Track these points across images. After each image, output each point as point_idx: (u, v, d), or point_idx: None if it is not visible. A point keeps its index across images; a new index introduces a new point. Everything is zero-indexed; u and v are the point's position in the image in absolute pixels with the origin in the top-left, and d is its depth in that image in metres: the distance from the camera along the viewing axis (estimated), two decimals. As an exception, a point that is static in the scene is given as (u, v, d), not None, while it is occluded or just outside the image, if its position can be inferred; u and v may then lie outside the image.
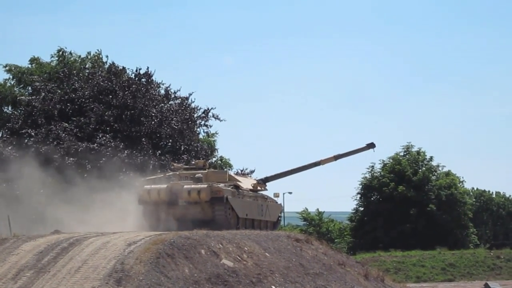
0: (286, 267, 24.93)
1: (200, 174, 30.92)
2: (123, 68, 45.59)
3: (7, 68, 47.67)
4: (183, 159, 41.36)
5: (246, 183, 32.76)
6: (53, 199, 35.75)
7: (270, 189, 34.67)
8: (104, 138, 40.50)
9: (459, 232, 64.20)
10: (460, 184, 67.87)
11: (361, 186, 66.28)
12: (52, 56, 47.82)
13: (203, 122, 47.08)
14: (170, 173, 32.16)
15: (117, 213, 31.13)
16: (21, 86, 47.80)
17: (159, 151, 42.26)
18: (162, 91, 46.14)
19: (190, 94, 46.45)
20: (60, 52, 47.55)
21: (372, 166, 66.42)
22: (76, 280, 20.95)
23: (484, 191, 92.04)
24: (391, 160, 65.85)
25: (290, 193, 74.43)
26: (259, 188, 33.48)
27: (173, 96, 46.23)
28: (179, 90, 46.53)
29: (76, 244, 23.38)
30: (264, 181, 34.08)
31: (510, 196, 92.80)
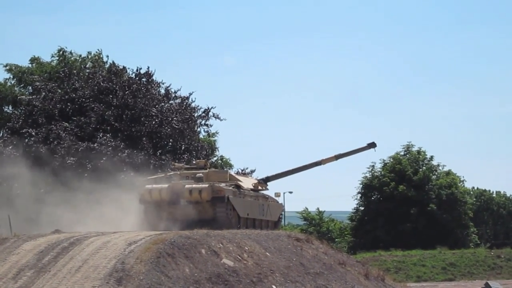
0: (286, 267, 24.93)
1: (201, 174, 30.96)
2: (124, 67, 45.60)
3: (7, 67, 47.68)
4: (184, 159, 41.37)
5: (247, 183, 32.78)
6: (53, 198, 35.76)
7: (271, 189, 34.74)
8: (105, 137, 40.50)
9: (459, 232, 64.18)
10: (461, 183, 67.84)
11: (361, 186, 66.26)
12: (53, 56, 47.88)
13: (203, 122, 47.11)
14: (171, 173, 32.19)
15: (117, 213, 31.15)
16: (21, 85, 47.82)
17: (160, 151, 42.26)
18: (163, 91, 46.15)
19: (190, 94, 46.51)
20: (61, 52, 47.55)
21: (373, 166, 66.45)
22: (76, 280, 20.95)
23: (485, 190, 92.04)
24: (391, 160, 65.83)
25: (290, 192, 74.47)
26: (260, 187, 33.50)
27: (173, 95, 46.23)
28: (180, 90, 46.58)
29: (77, 244, 23.38)
30: (265, 181, 34.11)
31: (510, 195, 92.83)
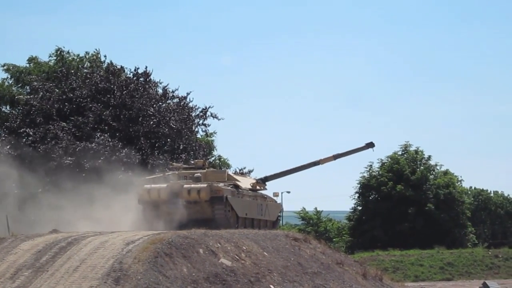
0: (284, 266, 24.93)
1: (199, 174, 31.01)
2: (121, 67, 45.58)
3: (5, 67, 47.66)
4: (181, 159, 41.36)
5: (245, 183, 32.81)
6: (51, 198, 35.73)
7: (269, 189, 34.76)
8: (102, 137, 40.48)
9: (457, 231, 64.18)
10: (459, 183, 67.86)
11: (359, 185, 66.26)
12: (50, 56, 47.84)
13: (201, 121, 47.09)
14: (169, 173, 32.23)
15: (115, 213, 31.15)
16: (19, 85, 47.80)
17: (157, 151, 42.25)
18: (160, 90, 46.14)
19: (188, 94, 46.49)
20: (58, 52, 47.53)
21: (371, 165, 66.45)
22: (74, 280, 20.94)
23: (482, 190, 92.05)
24: (389, 159, 65.83)
25: (288, 192, 74.47)
26: (258, 187, 33.52)
27: (171, 95, 46.21)
28: (177, 89, 46.56)
29: (74, 244, 23.37)
30: (263, 181, 34.14)
31: (508, 195, 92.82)
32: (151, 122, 42.71)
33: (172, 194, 30.05)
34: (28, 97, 44.23)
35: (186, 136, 44.13)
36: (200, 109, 46.78)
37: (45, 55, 48.51)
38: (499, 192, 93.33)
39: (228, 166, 52.15)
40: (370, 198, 65.94)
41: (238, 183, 31.81)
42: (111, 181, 33.88)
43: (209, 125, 47.65)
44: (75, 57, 47.84)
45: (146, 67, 45.58)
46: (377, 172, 65.69)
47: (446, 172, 66.49)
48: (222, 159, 52.89)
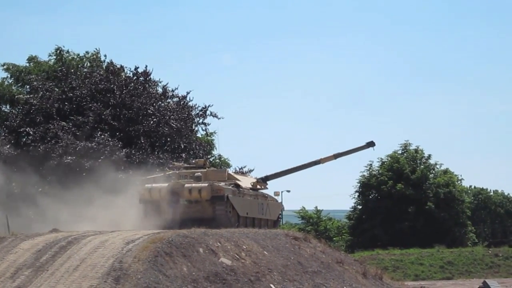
0: (284, 266, 24.93)
1: (199, 173, 31.02)
2: (121, 66, 45.56)
3: (5, 67, 47.67)
4: (182, 158, 41.36)
5: (245, 182, 32.83)
6: (51, 197, 35.74)
7: (268, 188, 34.76)
8: (103, 137, 40.47)
9: (457, 230, 64.16)
10: (458, 182, 67.84)
11: (359, 184, 66.23)
12: (50, 55, 47.83)
13: (201, 120, 47.06)
14: (170, 172, 32.25)
15: (116, 212, 31.17)
16: (19, 84, 47.80)
17: (158, 150, 42.24)
18: (160, 90, 46.12)
19: (188, 93, 46.47)
20: (58, 51, 47.52)
21: (370, 164, 66.43)
22: (74, 279, 20.94)
23: (482, 189, 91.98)
24: (389, 158, 65.80)
25: (288, 191, 74.37)
26: (258, 186, 33.53)
27: (170, 94, 46.19)
28: (177, 89, 46.54)
29: (74, 243, 23.37)
30: (264, 180, 34.15)
31: (508, 194, 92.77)
32: (151, 122, 42.70)
33: (173, 194, 30.10)
34: (28, 96, 44.22)
35: (186, 135, 44.12)
36: (200, 108, 46.79)
37: (45, 55, 48.59)
38: (499, 191, 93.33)
39: (228, 165, 52.13)
40: (370, 197, 65.92)
41: (238, 182, 31.82)
42: (111, 181, 33.89)
43: (209, 124, 47.67)
44: (75, 57, 47.83)
45: (146, 66, 45.65)
46: (377, 171, 65.66)
47: (446, 171, 66.47)
48: (222, 159, 52.87)
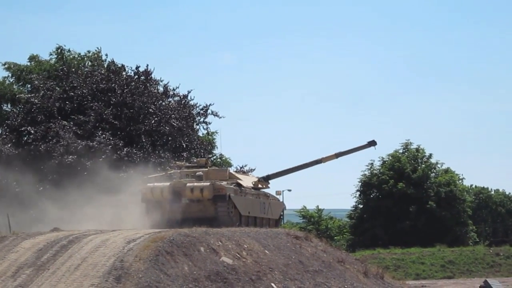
0: (285, 265, 24.93)
1: (200, 172, 31.04)
2: (122, 66, 45.54)
3: (6, 66, 47.66)
4: (183, 157, 41.34)
5: (247, 181, 32.82)
6: (52, 196, 35.73)
7: (270, 187, 34.74)
8: (104, 136, 40.46)
9: (458, 230, 64.11)
10: (460, 181, 67.79)
11: (360, 184, 66.19)
12: (51, 54, 47.81)
13: (202, 119, 47.04)
14: (171, 171, 32.25)
15: (118, 211, 31.18)
16: (20, 84, 47.79)
17: (159, 149, 42.23)
18: (161, 89, 46.10)
19: (189, 92, 46.44)
20: (59, 50, 47.51)
21: (372, 164, 66.39)
22: (75, 278, 20.94)
23: (483, 188, 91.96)
24: (390, 158, 65.77)
25: (289, 190, 74.34)
26: (260, 185, 33.53)
27: (171, 93, 46.17)
28: (178, 87, 46.52)
29: (76, 242, 23.38)
30: (265, 179, 34.13)
31: (509, 193, 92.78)
32: (152, 121, 42.69)
33: (175, 193, 30.12)
34: (29, 95, 44.21)
35: (187, 134, 44.11)
36: (200, 107, 46.76)
37: (46, 54, 48.54)
38: (500, 190, 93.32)
39: (229, 164, 52.13)
40: (371, 196, 65.88)
41: (239, 181, 31.82)
42: (112, 180, 33.89)
43: (210, 123, 47.63)
44: (76, 56, 47.82)
45: (147, 65, 45.62)
46: (378, 170, 65.63)
47: (447, 170, 66.44)
48: (223, 158, 52.86)
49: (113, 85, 43.40)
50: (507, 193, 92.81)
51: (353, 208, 67.64)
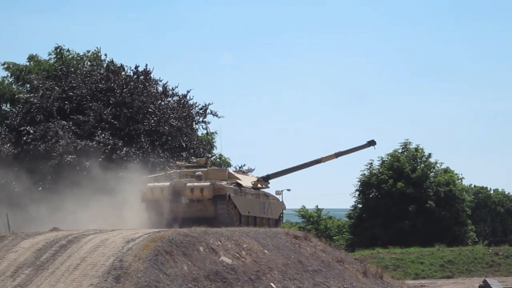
0: (284, 264, 24.93)
1: (200, 172, 31.05)
2: (121, 65, 45.53)
3: (5, 65, 47.62)
4: (182, 157, 41.35)
5: (246, 181, 32.82)
6: (51, 196, 35.74)
7: (270, 187, 34.74)
8: (103, 135, 40.46)
9: (457, 229, 64.18)
10: (459, 181, 67.84)
11: (359, 183, 66.25)
12: (50, 54, 47.79)
13: (201, 119, 47.00)
14: (171, 171, 32.26)
15: (117, 211, 31.19)
16: (19, 83, 47.76)
17: (158, 149, 42.23)
18: (160, 88, 46.08)
19: (188, 92, 46.42)
20: (58, 50, 47.48)
21: (371, 163, 66.46)
22: (74, 278, 20.94)
23: (482, 188, 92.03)
24: (389, 157, 65.81)
25: (288, 190, 74.41)
26: (259, 185, 33.54)
27: (170, 93, 46.15)
28: (177, 87, 46.50)
29: (75, 242, 23.37)
30: (265, 179, 34.12)
31: (508, 193, 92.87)
32: (152, 120, 42.69)
33: (175, 193, 30.15)
34: (28, 95, 44.19)
35: (187, 134, 44.11)
36: (200, 107, 46.73)
37: (45, 54, 48.50)
38: (499, 189, 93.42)
39: (228, 164, 52.12)
40: (371, 196, 65.94)
41: (239, 181, 31.83)
42: (112, 180, 33.89)
43: (209, 123, 47.59)
44: (75, 56, 47.80)
45: (146, 65, 45.58)
46: (377, 170, 65.67)
47: (446, 170, 66.49)
48: (222, 158, 52.85)
49: (112, 85, 43.39)
50: (506, 192, 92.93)
51: (352, 208, 67.70)
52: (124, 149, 40.19)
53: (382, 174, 64.50)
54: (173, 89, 46.23)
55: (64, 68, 45.02)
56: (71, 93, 43.35)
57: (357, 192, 66.64)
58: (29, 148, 40.80)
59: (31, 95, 43.90)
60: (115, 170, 36.85)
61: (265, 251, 25.26)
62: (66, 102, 43.03)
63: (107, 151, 39.59)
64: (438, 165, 66.68)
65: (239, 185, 31.41)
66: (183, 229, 24.91)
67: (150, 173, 34.31)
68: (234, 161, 53.96)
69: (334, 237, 74.76)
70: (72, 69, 45.13)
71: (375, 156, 66.56)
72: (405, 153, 66.44)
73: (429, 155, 66.81)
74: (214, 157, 50.51)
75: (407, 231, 61.57)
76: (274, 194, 34.56)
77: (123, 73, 45.09)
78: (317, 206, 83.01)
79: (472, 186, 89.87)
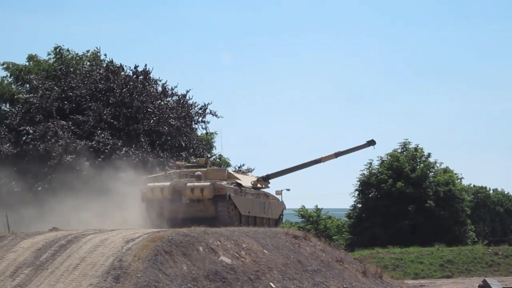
0: (284, 264, 24.94)
1: (199, 172, 31.06)
2: (121, 65, 45.53)
3: (4, 65, 47.62)
4: (182, 156, 41.35)
5: (246, 181, 32.82)
6: (51, 196, 35.73)
7: (270, 187, 34.74)
8: (102, 135, 40.46)
9: (457, 229, 64.20)
10: (458, 181, 67.86)
11: (359, 183, 66.27)
12: (49, 54, 47.78)
13: (200, 119, 46.99)
14: (171, 171, 32.26)
15: (116, 211, 31.18)
16: (18, 83, 47.76)
17: (158, 148, 42.23)
18: (160, 88, 46.07)
19: (187, 91, 46.41)
20: (57, 50, 47.48)
21: (370, 163, 66.47)
22: (74, 277, 20.94)
23: (482, 187, 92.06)
24: (389, 157, 65.83)
25: (288, 190, 74.44)
26: (259, 185, 33.55)
27: (170, 92, 46.15)
28: (176, 87, 46.49)
29: (74, 241, 23.38)
30: (265, 179, 34.12)
31: (508, 193, 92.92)
32: (151, 120, 42.69)
33: (175, 192, 30.15)
34: (28, 95, 44.19)
35: (186, 134, 44.10)
36: (199, 106, 46.71)
37: (44, 54, 48.49)
38: (499, 189, 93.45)
39: (228, 164, 52.11)
40: (370, 195, 65.95)
41: (238, 181, 31.84)
42: (111, 180, 33.89)
43: (208, 122, 47.58)
44: (75, 56, 47.79)
45: (146, 65, 45.55)
46: (377, 170, 65.69)
47: (445, 170, 66.51)
48: (222, 158, 52.84)
49: (111, 85, 43.39)
50: (505, 192, 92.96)
51: (352, 208, 67.72)
52: (124, 149, 40.18)
53: (382, 174, 64.51)
54: (172, 89, 46.25)
55: (63, 68, 45.01)
56: (71, 93, 43.34)
57: (357, 192, 66.67)
58: (29, 148, 40.78)
59: (31, 95, 43.89)
60: (115, 170, 36.85)
61: (265, 251, 25.27)
62: (66, 102, 43.03)
63: (106, 151, 39.59)
64: (437, 165, 66.75)
65: (239, 185, 31.43)
66: (182, 229, 24.91)
67: (149, 173, 34.30)
68: (234, 161, 53.91)
69: (334, 237, 74.79)
70: (72, 69, 45.11)
71: (375, 156, 66.64)
72: (404, 153, 66.46)
73: (429, 155, 66.87)
74: (214, 157, 50.52)
75: (407, 231, 61.60)
76: (274, 194, 34.59)
77: (122, 73, 45.09)
78: (316, 206, 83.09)
79: (472, 185, 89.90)
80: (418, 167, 64.95)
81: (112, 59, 46.23)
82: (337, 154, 35.19)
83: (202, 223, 26.78)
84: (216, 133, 50.83)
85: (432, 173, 65.70)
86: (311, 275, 25.20)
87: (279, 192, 35.07)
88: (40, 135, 40.99)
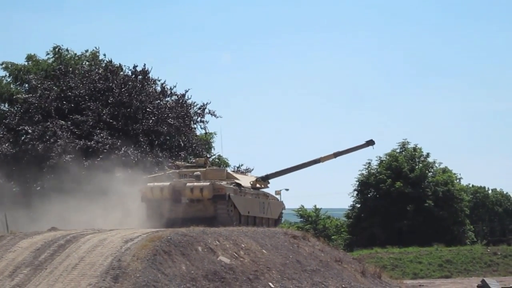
0: (283, 264, 24.94)
1: (198, 172, 31.08)
2: (120, 65, 45.51)
3: (3, 65, 47.62)
4: (181, 156, 41.33)
5: (245, 181, 32.83)
6: (50, 196, 35.71)
7: (270, 186, 34.75)
8: (101, 135, 40.45)
9: (456, 229, 64.26)
10: (457, 180, 67.90)
11: (358, 183, 66.30)
12: (48, 53, 47.77)
13: (199, 119, 46.98)
14: (170, 171, 32.27)
15: (116, 211, 31.18)
16: (17, 83, 47.75)
17: (157, 148, 42.23)
18: (159, 88, 46.06)
19: (186, 91, 46.40)
20: (56, 50, 47.47)
21: (369, 163, 66.52)
22: (73, 277, 20.94)
23: (480, 187, 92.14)
24: (387, 157, 65.86)
25: (287, 189, 74.58)
26: (258, 185, 33.55)
27: (169, 92, 46.14)
28: (175, 87, 46.48)
29: (73, 241, 23.38)
30: (264, 179, 34.13)
31: (506, 192, 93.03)
32: (150, 120, 42.69)
33: (175, 192, 30.18)
34: (27, 95, 44.18)
35: (185, 133, 44.10)
36: (198, 106, 46.70)
37: (43, 53, 48.48)
38: (497, 189, 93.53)
39: (227, 164, 52.11)
40: (369, 195, 65.99)
41: (237, 181, 31.85)
42: (111, 179, 33.89)
43: (207, 122, 47.56)
44: (74, 55, 47.78)
45: (145, 65, 45.54)
46: (375, 170, 65.72)
47: (444, 170, 66.54)
48: (221, 158, 52.84)
49: (110, 84, 43.38)
50: (504, 192, 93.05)
51: (351, 208, 67.76)
52: (123, 148, 40.17)
53: (381, 174, 64.55)
54: (171, 89, 46.25)
55: (62, 68, 45.00)
56: (70, 93, 43.33)
57: (356, 192, 66.71)
58: (28, 148, 40.76)
59: (29, 95, 43.87)
60: (114, 170, 36.83)
61: (264, 250, 25.27)
62: (65, 102, 43.01)
63: (105, 151, 39.58)
64: (436, 164, 66.80)
65: (239, 185, 31.45)
66: (181, 229, 24.91)
67: (148, 173, 34.29)
68: (233, 161, 54.02)
69: (333, 237, 74.84)
70: (71, 69, 45.10)
71: (374, 155, 66.72)
72: (403, 152, 66.50)
73: (428, 155, 66.93)
74: (213, 157, 50.52)
75: (406, 231, 61.65)
76: (273, 194, 34.59)
77: (121, 73, 45.07)
78: (315, 205, 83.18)
79: (470, 185, 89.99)
80: (417, 167, 64.99)
81: (111, 59, 46.25)
82: (336, 154, 35.19)
83: (202, 223, 26.80)
84: (215, 133, 50.88)
85: (431, 173, 65.74)
86: (310, 275, 25.20)
87: (278, 192, 35.08)
88: (39, 135, 40.98)
